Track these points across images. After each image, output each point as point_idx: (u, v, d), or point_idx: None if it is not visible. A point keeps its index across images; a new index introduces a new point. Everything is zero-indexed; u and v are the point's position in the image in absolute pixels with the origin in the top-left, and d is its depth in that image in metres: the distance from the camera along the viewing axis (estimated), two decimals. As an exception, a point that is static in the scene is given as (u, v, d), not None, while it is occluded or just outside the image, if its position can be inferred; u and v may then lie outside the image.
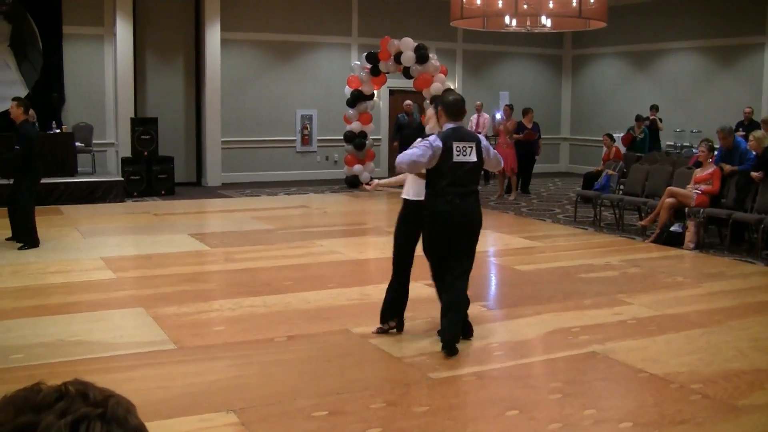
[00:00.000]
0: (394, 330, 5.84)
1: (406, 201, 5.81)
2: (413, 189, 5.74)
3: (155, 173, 14.44)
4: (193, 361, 5.20)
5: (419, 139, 5.61)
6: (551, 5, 12.34)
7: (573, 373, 5.10)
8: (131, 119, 14.74)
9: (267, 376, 4.94)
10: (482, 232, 5.68)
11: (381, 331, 5.81)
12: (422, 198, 5.56)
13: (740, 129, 13.26)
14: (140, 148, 14.48)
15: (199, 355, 5.32)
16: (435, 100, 6.06)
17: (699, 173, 10.12)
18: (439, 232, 5.46)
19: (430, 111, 5.88)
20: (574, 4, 11.99)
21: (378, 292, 6.74)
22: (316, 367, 5.11)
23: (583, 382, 4.95)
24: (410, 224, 5.71)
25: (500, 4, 12.39)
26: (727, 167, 10.06)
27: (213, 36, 15.77)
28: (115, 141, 15.29)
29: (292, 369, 5.09)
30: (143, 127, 14.60)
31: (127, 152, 14.63)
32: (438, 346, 5.45)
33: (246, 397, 4.52)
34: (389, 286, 5.88)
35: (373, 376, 4.98)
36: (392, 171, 17.71)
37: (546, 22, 12.71)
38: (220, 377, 4.89)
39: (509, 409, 4.46)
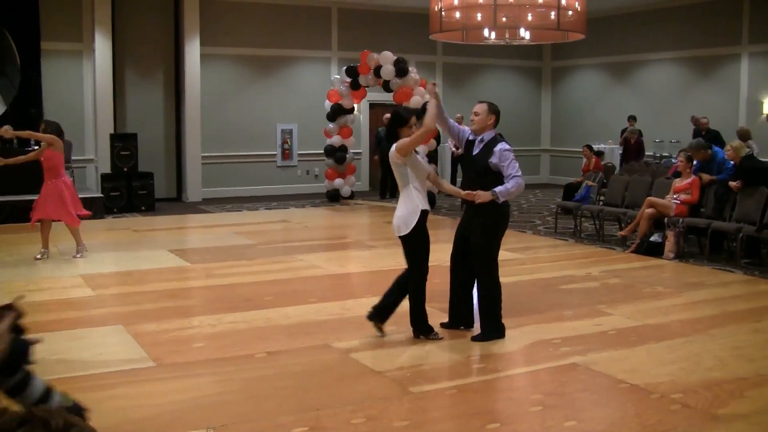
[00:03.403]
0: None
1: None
2: None
3: (135, 189, 14.37)
4: (173, 379, 5.16)
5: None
6: (530, 18, 12.40)
7: (554, 384, 5.10)
8: (110, 135, 14.68)
9: (248, 392, 4.90)
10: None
11: None
12: None
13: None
14: (120, 164, 14.41)
15: (179, 372, 5.28)
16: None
17: (678, 183, 10.18)
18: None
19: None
20: (553, 17, 12.05)
21: (359, 306, 6.75)
22: (296, 383, 5.08)
23: (564, 393, 4.95)
24: None
25: (479, 17, 12.44)
26: (706, 177, 10.14)
27: (192, 51, 15.75)
28: (94, 157, 15.23)
29: (272, 385, 5.06)
30: (123, 142, 14.53)
31: (106, 168, 14.56)
32: (417, 359, 5.46)
33: (226, 414, 4.48)
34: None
35: (354, 391, 4.96)
36: (373, 185, 17.73)
37: (525, 34, 12.77)
38: (200, 394, 4.85)
39: (490, 422, 4.45)
